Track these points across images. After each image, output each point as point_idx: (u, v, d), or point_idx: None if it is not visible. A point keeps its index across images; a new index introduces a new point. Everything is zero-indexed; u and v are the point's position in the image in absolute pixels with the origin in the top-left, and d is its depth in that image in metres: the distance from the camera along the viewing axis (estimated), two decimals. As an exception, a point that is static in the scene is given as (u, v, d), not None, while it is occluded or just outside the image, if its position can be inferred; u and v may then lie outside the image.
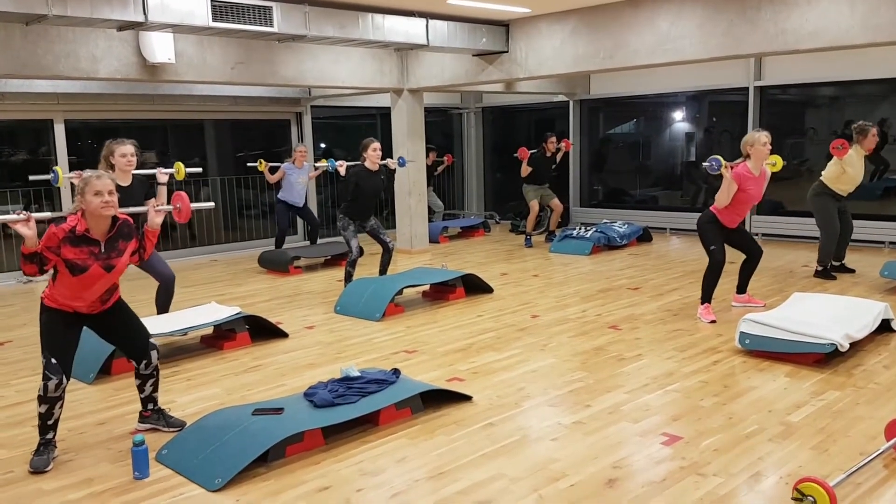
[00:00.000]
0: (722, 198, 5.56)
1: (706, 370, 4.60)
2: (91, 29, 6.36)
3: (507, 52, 8.21)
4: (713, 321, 5.68)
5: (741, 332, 4.85)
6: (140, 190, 5.29)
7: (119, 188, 4.92)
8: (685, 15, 6.79)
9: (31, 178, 6.54)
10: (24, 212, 3.33)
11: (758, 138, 5.54)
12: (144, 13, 5.53)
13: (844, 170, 6.86)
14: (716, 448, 3.45)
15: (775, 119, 9.89)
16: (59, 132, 8.64)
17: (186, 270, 8.84)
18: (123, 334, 3.72)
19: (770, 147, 5.57)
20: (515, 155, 9.77)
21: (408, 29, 7.31)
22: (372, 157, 6.71)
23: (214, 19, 5.81)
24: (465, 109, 13.05)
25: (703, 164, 5.62)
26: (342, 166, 6.79)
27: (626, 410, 3.96)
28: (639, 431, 3.68)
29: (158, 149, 10.45)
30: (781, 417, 3.80)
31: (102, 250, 3.46)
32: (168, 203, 3.89)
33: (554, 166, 9.98)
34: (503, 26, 8.12)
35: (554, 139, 9.77)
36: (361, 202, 6.77)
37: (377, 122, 11.92)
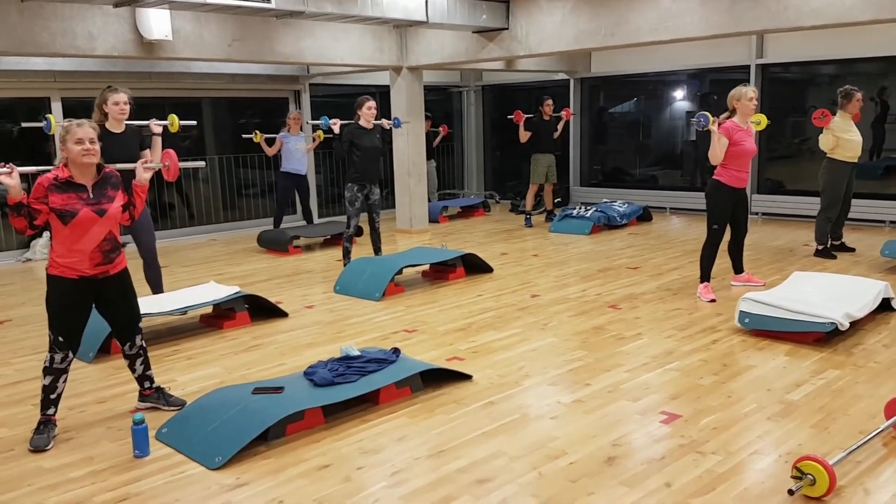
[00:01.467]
0: (714, 153, 5.55)
1: (705, 349, 4.60)
2: (87, 5, 6.29)
3: (507, 28, 8.13)
4: (713, 300, 5.68)
5: (741, 311, 4.85)
6: (133, 139, 5.22)
7: (112, 136, 4.92)
8: (687, -9, 6.71)
9: (24, 125, 6.50)
10: (9, 164, 3.30)
11: (745, 93, 5.54)
12: (140, -11, 5.47)
13: (838, 137, 6.83)
14: (715, 426, 3.46)
15: (777, 97, 9.82)
16: (57, 110, 8.57)
17: (185, 250, 8.82)
18: (119, 309, 3.67)
19: (756, 103, 5.58)
20: (510, 117, 9.70)
21: (407, 5, 7.23)
22: (366, 114, 6.71)
23: (211, -5, 5.74)
24: (465, 87, 12.96)
25: (692, 120, 5.61)
26: (336, 123, 6.76)
27: (625, 389, 3.97)
28: (638, 410, 3.69)
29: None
30: (781, 396, 3.80)
31: (91, 195, 3.43)
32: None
33: (556, 134, 9.90)
34: (503, 3, 8.03)
35: (551, 102, 9.70)
36: (363, 163, 6.72)
37: (376, 100, 11.79)
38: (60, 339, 3.43)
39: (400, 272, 6.42)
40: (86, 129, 3.38)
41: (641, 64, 10.69)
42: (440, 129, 11.49)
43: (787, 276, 5.62)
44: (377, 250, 7.12)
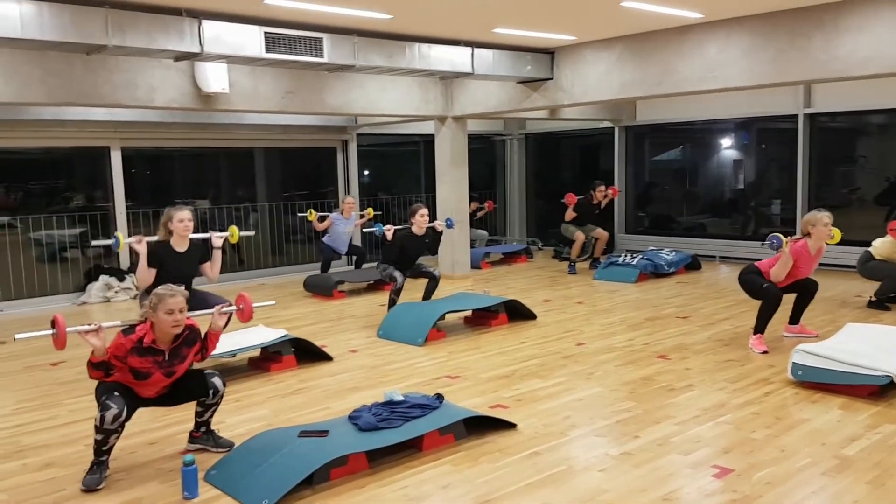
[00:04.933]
0: (778, 272, 5.56)
1: (758, 401, 4.49)
2: (148, 59, 6.58)
3: (551, 79, 8.24)
4: (765, 352, 5.56)
5: (794, 363, 4.74)
6: (197, 254, 5.38)
7: (177, 254, 5.17)
8: (733, 42, 6.74)
9: (94, 243, 6.75)
10: (95, 322, 3.47)
11: (819, 218, 5.51)
12: (200, 44, 5.71)
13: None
14: (768, 481, 3.36)
15: (825, 146, 9.71)
16: (116, 159, 8.92)
17: (234, 294, 8.96)
18: (178, 395, 3.79)
19: (831, 227, 5.54)
20: (563, 200, 9.83)
21: (453, 58, 7.40)
22: (419, 222, 6.92)
23: (267, 50, 5.97)
24: (509, 136, 13.10)
25: (764, 243, 5.60)
26: (389, 231, 6.90)
27: (675, 442, 3.88)
28: (689, 463, 3.60)
29: (210, 176, 10.71)
30: (835, 451, 3.69)
31: (166, 358, 3.57)
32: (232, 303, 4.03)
33: (598, 212, 10.00)
34: (548, 54, 8.16)
35: (602, 187, 9.87)
36: (402, 259, 6.97)
37: (420, 149, 12.04)
38: (116, 393, 3.45)
39: (442, 318, 6.44)
40: (177, 300, 3.50)
41: (687, 112, 10.68)
42: (485, 205, 11.65)
43: (840, 328, 5.48)
44: (427, 297, 7.17)
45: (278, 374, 5.37)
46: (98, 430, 3.45)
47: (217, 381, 3.80)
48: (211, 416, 3.89)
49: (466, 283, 9.30)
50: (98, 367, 3.46)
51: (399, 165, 12.69)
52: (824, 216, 5.51)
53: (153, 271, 5.04)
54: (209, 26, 5.74)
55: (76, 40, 5.32)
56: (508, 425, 4.13)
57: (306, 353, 5.69)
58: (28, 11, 5.08)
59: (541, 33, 7.29)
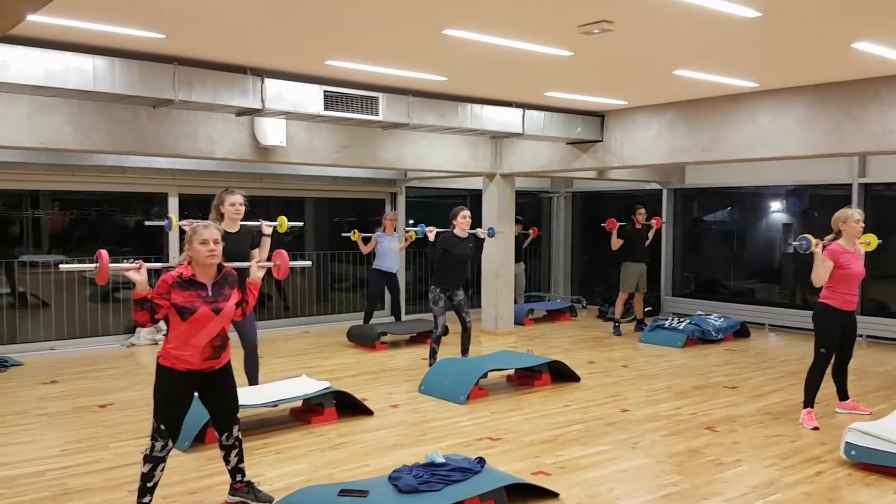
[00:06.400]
0: (818, 276, 5.41)
1: (809, 481, 4.34)
2: (210, 113, 6.83)
3: (601, 141, 8.30)
4: (816, 428, 5.38)
5: (847, 443, 4.58)
6: (246, 238, 5.60)
7: (227, 234, 5.29)
8: (787, 112, 6.72)
9: (147, 223, 6.89)
10: (137, 261, 3.56)
11: (850, 215, 5.45)
12: (262, 101, 5.93)
13: None
14: (822, 571, 3.23)
15: (881, 215, 9.49)
16: (173, 204, 9.19)
17: (279, 341, 9.08)
18: (220, 400, 3.84)
19: (863, 225, 5.45)
20: (603, 225, 9.75)
21: (505, 118, 7.52)
22: (461, 224, 6.93)
23: (326, 108, 6.18)
24: (556, 194, 13.13)
25: (793, 243, 5.51)
26: (431, 231, 7.00)
27: (722, 521, 3.77)
28: (736, 545, 3.49)
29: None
30: (895, 542, 3.53)
31: (210, 293, 3.64)
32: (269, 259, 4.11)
33: (647, 242, 9.88)
34: (598, 116, 8.24)
35: (643, 211, 9.77)
36: (450, 269, 6.94)
37: (468, 203, 12.13)
38: (163, 426, 3.58)
39: (485, 375, 6.40)
40: (211, 231, 3.64)
41: (738, 177, 10.59)
42: (530, 231, 11.66)
43: (895, 406, 5.30)
44: (465, 351, 7.16)
45: (319, 426, 5.38)
46: (147, 458, 3.59)
47: (235, 427, 3.86)
48: (239, 463, 3.91)
49: (510, 339, 9.25)
50: (142, 304, 3.50)
51: (446, 218, 12.80)
52: (855, 213, 5.45)
53: None
54: (272, 84, 5.97)
55: (144, 94, 5.56)
56: (551, 494, 4.06)
57: (347, 405, 5.69)
58: (101, 66, 5.34)
59: (592, 97, 7.37)
